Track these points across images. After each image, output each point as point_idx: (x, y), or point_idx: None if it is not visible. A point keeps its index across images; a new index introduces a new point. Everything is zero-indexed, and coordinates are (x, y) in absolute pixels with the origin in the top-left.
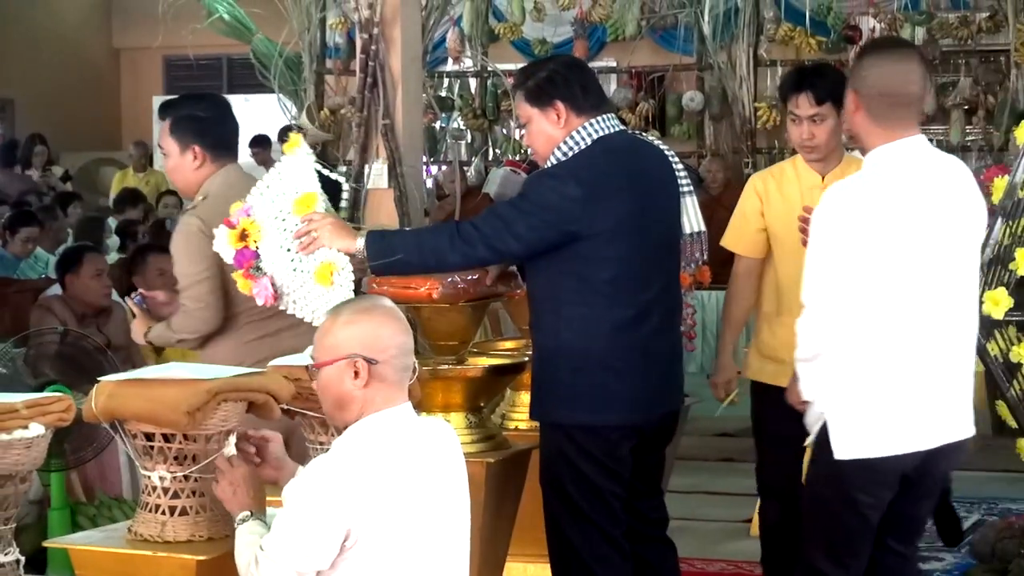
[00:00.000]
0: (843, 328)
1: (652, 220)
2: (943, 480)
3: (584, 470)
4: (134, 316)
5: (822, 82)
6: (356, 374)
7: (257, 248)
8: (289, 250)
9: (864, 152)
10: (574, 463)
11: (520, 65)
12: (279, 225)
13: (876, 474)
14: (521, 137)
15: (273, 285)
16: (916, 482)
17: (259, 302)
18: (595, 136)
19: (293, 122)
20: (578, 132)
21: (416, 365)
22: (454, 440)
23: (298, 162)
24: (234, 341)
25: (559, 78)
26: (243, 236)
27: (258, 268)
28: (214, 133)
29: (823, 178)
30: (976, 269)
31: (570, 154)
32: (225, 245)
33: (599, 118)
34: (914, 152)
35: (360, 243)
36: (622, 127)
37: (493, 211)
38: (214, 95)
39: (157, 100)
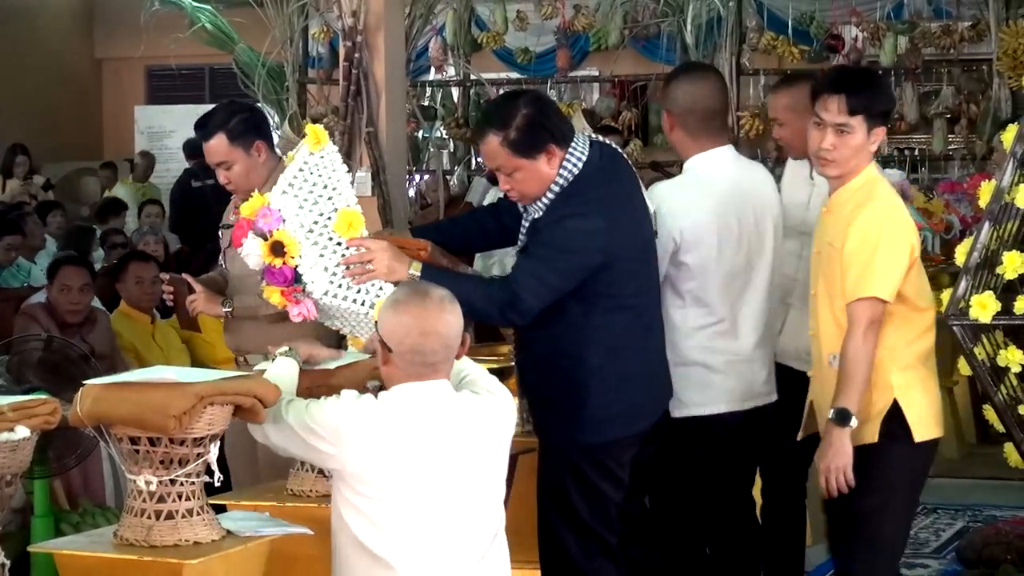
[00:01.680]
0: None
1: (647, 224)
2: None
3: (593, 481)
4: (191, 291)
5: (861, 90)
6: (382, 352)
7: (297, 267)
8: (335, 274)
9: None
10: (584, 475)
11: (504, 75)
12: (315, 239)
13: (709, 428)
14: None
15: (316, 306)
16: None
17: (294, 319)
18: (583, 159)
19: (276, 131)
20: (567, 161)
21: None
22: (488, 413)
23: (325, 161)
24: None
25: (541, 118)
26: (278, 249)
27: (303, 292)
28: (266, 126)
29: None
30: (777, 248)
31: (565, 185)
32: (256, 256)
33: (575, 140)
34: (724, 159)
35: (413, 274)
36: (585, 137)
37: (525, 270)
38: (229, 101)
39: (139, 110)
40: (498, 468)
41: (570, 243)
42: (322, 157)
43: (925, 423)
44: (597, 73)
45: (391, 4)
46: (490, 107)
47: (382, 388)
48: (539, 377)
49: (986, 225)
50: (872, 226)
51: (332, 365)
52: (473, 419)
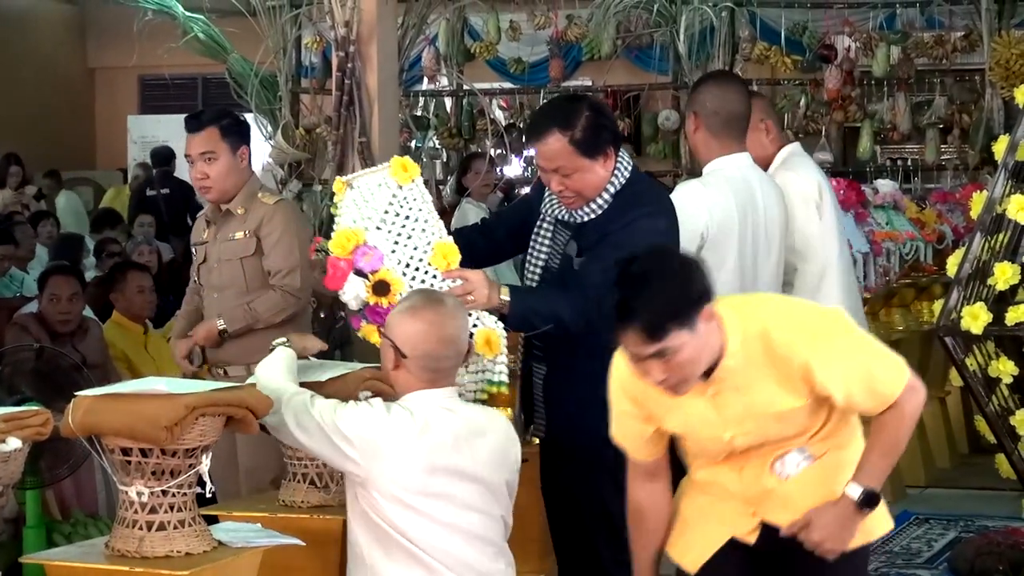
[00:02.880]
0: None
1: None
2: None
3: (626, 486)
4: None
5: (651, 306)
6: (392, 357)
7: None
8: None
9: (703, 164)
10: (620, 481)
11: (496, 85)
12: (412, 274)
13: None
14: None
15: None
16: None
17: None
18: (631, 163)
19: (269, 141)
20: (620, 164)
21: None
22: (498, 425)
23: (414, 193)
24: (293, 327)
25: (604, 120)
26: (382, 288)
27: None
28: (250, 139)
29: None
30: (780, 253)
31: (619, 188)
32: (361, 297)
33: (620, 146)
34: (744, 163)
35: (505, 299)
36: None
37: (607, 275)
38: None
39: (132, 119)
40: (512, 470)
41: (644, 244)
42: (411, 190)
43: None
44: (590, 83)
45: (384, 14)
46: (551, 108)
47: (375, 398)
48: (579, 378)
49: (977, 236)
50: (834, 344)
51: (324, 377)
52: (488, 425)
